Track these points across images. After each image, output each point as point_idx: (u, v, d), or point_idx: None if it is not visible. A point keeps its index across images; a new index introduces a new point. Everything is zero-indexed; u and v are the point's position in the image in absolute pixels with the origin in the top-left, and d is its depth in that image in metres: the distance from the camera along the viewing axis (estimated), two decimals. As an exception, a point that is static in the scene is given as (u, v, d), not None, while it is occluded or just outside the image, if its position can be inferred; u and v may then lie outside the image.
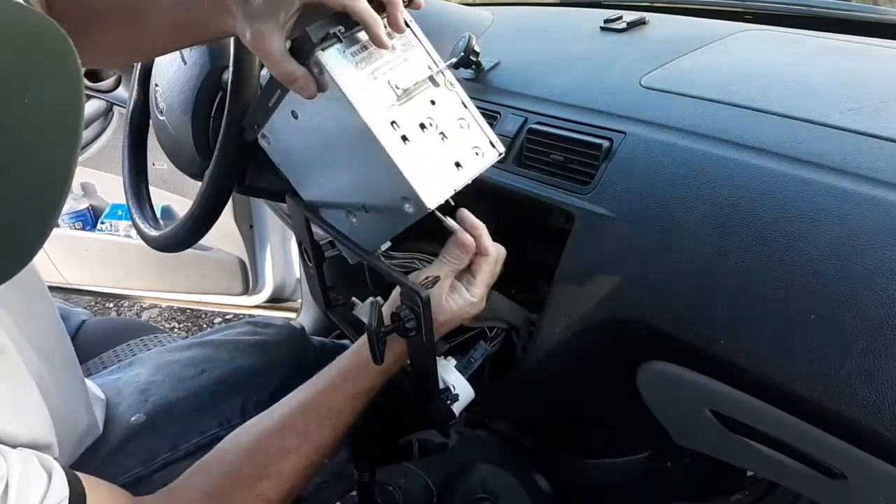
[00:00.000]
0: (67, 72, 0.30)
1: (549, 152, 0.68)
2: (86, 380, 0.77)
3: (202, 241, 0.79)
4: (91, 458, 0.69)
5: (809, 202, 0.50)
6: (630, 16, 0.85)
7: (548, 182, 0.68)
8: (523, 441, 0.86)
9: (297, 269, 1.72)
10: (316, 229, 0.66)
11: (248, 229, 1.65)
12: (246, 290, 1.73)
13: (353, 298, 0.75)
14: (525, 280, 0.80)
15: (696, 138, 0.59)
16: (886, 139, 0.51)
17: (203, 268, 1.70)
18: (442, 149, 0.50)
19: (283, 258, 1.73)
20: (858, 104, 0.56)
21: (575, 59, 0.79)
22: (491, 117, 0.76)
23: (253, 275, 1.71)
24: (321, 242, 0.69)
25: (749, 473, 0.96)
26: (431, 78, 0.52)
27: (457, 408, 0.62)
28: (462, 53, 0.79)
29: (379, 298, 0.74)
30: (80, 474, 0.45)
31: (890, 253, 0.46)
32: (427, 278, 0.55)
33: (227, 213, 1.55)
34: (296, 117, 0.55)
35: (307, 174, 0.60)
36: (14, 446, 0.47)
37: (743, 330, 0.52)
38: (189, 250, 0.82)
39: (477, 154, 0.51)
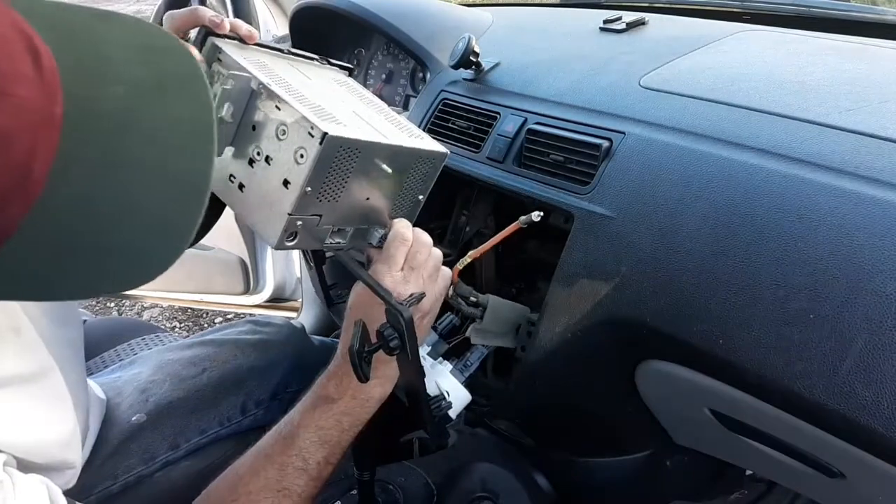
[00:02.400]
0: (198, 85, 0.35)
1: (549, 152, 0.68)
2: (87, 380, 0.77)
3: (203, 241, 0.79)
4: (92, 457, 0.69)
5: (808, 202, 0.51)
6: (629, 16, 0.86)
7: (548, 182, 0.68)
8: (523, 440, 0.86)
9: (297, 268, 1.72)
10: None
11: (249, 229, 1.65)
12: (247, 290, 1.73)
13: None
14: (525, 280, 0.80)
15: (696, 138, 0.60)
16: (885, 139, 0.52)
17: (204, 267, 1.70)
18: (269, 177, 0.49)
19: (283, 258, 1.73)
20: (857, 104, 0.57)
21: (574, 60, 0.79)
22: (491, 117, 0.77)
23: (254, 274, 1.72)
24: None
25: (748, 472, 0.96)
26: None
27: (453, 413, 0.62)
28: (462, 54, 0.79)
29: None
30: None
31: (889, 252, 0.46)
32: (412, 295, 0.54)
33: (228, 212, 1.55)
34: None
35: None
36: (38, 463, 0.48)
37: (742, 329, 0.52)
38: (190, 250, 0.81)
39: (301, 158, 0.47)
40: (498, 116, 0.76)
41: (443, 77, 0.87)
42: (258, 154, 0.49)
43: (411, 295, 0.54)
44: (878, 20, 0.86)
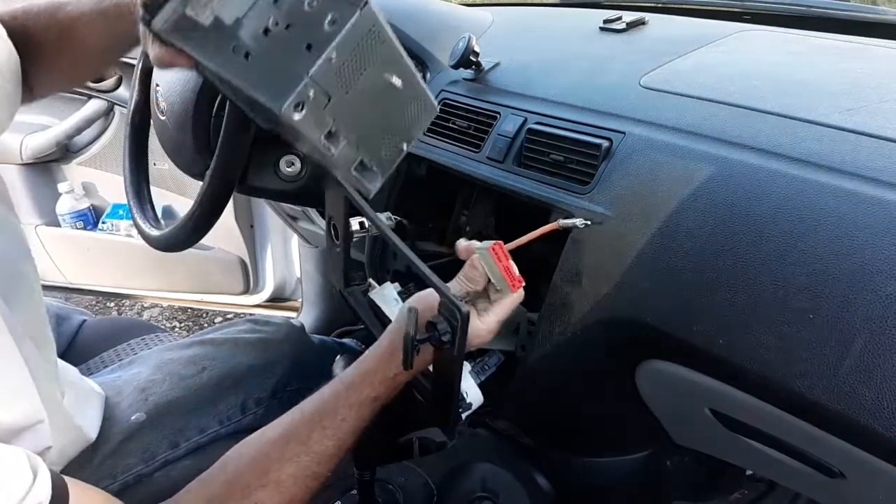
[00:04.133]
0: None
1: (549, 152, 0.68)
2: (85, 378, 0.77)
3: (203, 241, 0.79)
4: (92, 456, 0.69)
5: (808, 202, 0.51)
6: (629, 16, 0.86)
7: (548, 182, 0.68)
8: (523, 440, 0.86)
9: (297, 268, 1.73)
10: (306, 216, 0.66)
11: (249, 229, 1.65)
12: (247, 290, 1.74)
13: (370, 280, 0.76)
14: (525, 280, 0.80)
15: (696, 138, 0.59)
16: (885, 139, 0.52)
17: (204, 267, 1.71)
18: (288, 42, 0.46)
19: (283, 258, 1.74)
20: (858, 104, 0.56)
21: (574, 60, 0.79)
22: (491, 117, 0.77)
23: (254, 274, 1.72)
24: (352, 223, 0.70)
25: (748, 472, 0.96)
26: None
27: (464, 414, 0.63)
28: (462, 54, 0.79)
29: (397, 284, 0.75)
30: (69, 479, 0.44)
31: (889, 252, 0.46)
32: (468, 293, 0.55)
33: (228, 212, 1.56)
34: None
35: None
36: (3, 429, 0.47)
37: (742, 329, 0.52)
38: (190, 250, 0.82)
39: (333, 24, 0.46)
40: (498, 116, 0.76)
41: (443, 77, 0.87)
42: (276, 24, 0.47)
43: (467, 293, 0.56)
44: (879, 20, 0.86)
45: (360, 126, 0.51)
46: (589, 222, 0.62)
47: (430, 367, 0.59)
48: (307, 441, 0.54)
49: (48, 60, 0.65)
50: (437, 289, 0.52)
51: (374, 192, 0.54)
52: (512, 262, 0.59)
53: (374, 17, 0.46)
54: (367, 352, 0.59)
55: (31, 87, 0.65)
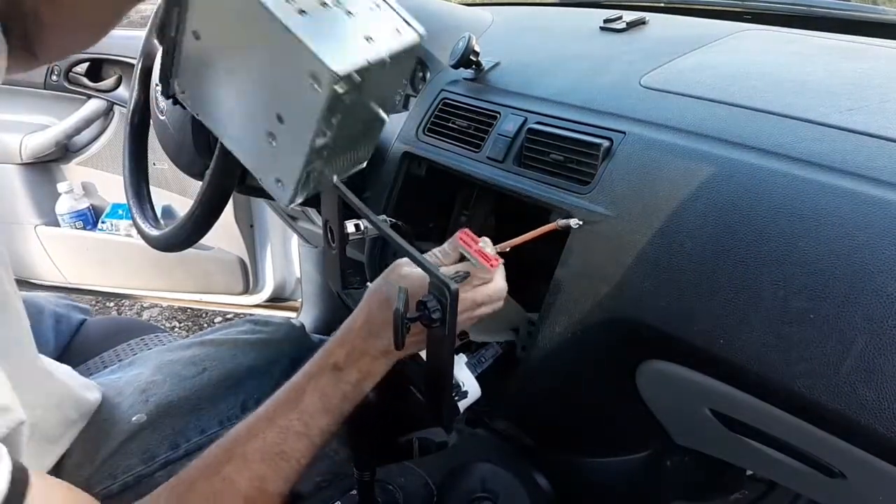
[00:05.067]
0: None
1: (549, 152, 0.68)
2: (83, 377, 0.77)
3: (203, 241, 0.79)
4: (92, 456, 0.69)
5: (809, 202, 0.51)
6: (630, 16, 0.86)
7: (548, 182, 0.68)
8: (523, 440, 0.86)
9: (297, 268, 1.73)
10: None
11: (249, 229, 1.65)
12: (246, 290, 1.74)
13: (368, 283, 0.76)
14: (525, 280, 0.80)
15: (696, 138, 0.59)
16: (886, 139, 0.52)
17: (204, 267, 1.71)
18: (347, 23, 0.47)
19: (283, 257, 1.74)
20: (858, 104, 0.56)
21: (575, 59, 0.79)
22: (491, 117, 0.77)
23: (253, 274, 1.72)
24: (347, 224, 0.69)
25: (749, 472, 0.96)
26: None
27: (462, 405, 0.63)
28: (462, 53, 0.79)
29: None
30: (35, 473, 0.42)
31: (889, 252, 0.46)
32: (457, 273, 0.55)
33: (228, 212, 1.56)
34: (198, 38, 0.50)
35: (222, 108, 0.54)
36: None
37: (742, 329, 0.52)
38: (190, 250, 0.82)
39: (396, 31, 0.48)
40: (498, 116, 0.76)
41: (443, 76, 0.87)
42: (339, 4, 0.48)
43: (457, 272, 0.55)
44: (880, 20, 0.86)
45: (343, 128, 0.49)
46: (582, 222, 0.62)
47: (423, 356, 0.59)
48: (273, 416, 0.54)
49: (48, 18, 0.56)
50: (426, 268, 0.51)
51: (289, 203, 0.52)
52: (484, 245, 0.59)
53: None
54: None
55: (35, 52, 0.58)
